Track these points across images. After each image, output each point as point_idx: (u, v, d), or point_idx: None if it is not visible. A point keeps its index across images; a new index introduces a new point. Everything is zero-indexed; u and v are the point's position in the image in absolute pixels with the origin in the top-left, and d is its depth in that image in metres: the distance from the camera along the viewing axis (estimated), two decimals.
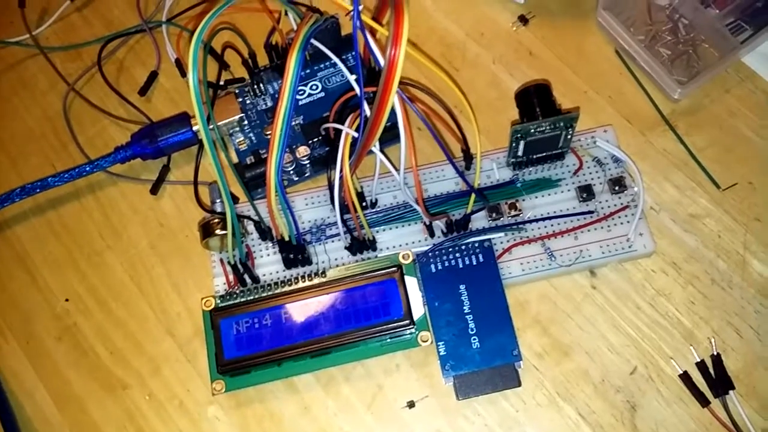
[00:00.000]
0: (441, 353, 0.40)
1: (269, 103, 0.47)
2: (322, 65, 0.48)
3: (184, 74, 0.50)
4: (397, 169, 0.39)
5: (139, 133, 0.46)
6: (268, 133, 0.46)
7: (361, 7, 0.33)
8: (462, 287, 0.41)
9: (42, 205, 0.48)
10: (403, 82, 0.33)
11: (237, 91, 0.48)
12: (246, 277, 0.42)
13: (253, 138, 0.46)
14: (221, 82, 0.48)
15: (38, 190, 0.46)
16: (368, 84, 0.37)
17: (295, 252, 0.42)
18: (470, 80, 0.48)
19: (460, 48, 0.49)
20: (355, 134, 0.38)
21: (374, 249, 0.43)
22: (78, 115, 0.50)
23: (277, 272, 0.43)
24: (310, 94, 0.47)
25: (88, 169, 0.46)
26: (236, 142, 0.46)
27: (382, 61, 0.32)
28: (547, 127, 0.40)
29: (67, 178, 0.46)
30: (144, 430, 0.41)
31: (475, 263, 0.41)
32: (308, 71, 0.48)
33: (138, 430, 0.42)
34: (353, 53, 0.48)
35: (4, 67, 0.53)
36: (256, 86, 0.47)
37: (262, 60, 0.48)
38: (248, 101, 0.47)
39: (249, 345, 0.40)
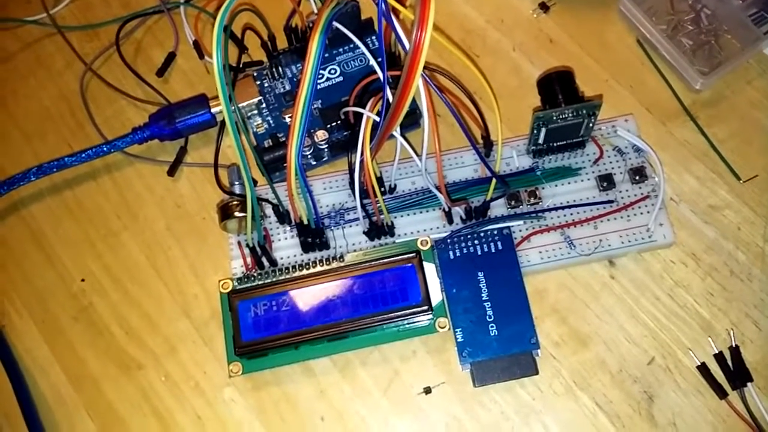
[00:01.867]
0: (458, 340, 0.40)
1: (287, 87, 0.47)
2: (340, 49, 0.47)
3: (202, 56, 0.50)
4: (418, 155, 0.39)
5: (157, 114, 0.46)
6: (286, 116, 0.46)
7: None
8: (480, 274, 0.41)
9: (58, 184, 0.48)
10: (426, 67, 0.33)
11: (255, 74, 0.47)
12: (264, 260, 0.42)
13: (271, 121, 0.46)
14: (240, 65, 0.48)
15: (55, 170, 0.46)
16: (388, 68, 0.36)
17: (313, 236, 0.42)
18: (490, 67, 0.48)
19: (480, 34, 0.49)
20: (377, 118, 0.38)
21: (392, 234, 0.43)
22: (95, 95, 0.50)
23: (295, 256, 0.43)
24: (328, 78, 0.47)
25: (105, 149, 0.46)
26: (254, 125, 0.46)
27: (407, 45, 0.32)
28: (570, 115, 0.40)
29: (84, 158, 0.46)
30: (159, 410, 0.41)
31: (493, 251, 0.41)
32: (327, 55, 0.47)
33: (153, 410, 0.42)
34: (373, 37, 0.47)
35: (22, 46, 0.52)
36: (274, 69, 0.47)
37: (282, 43, 0.48)
38: (266, 84, 0.47)
39: (266, 328, 0.40)
